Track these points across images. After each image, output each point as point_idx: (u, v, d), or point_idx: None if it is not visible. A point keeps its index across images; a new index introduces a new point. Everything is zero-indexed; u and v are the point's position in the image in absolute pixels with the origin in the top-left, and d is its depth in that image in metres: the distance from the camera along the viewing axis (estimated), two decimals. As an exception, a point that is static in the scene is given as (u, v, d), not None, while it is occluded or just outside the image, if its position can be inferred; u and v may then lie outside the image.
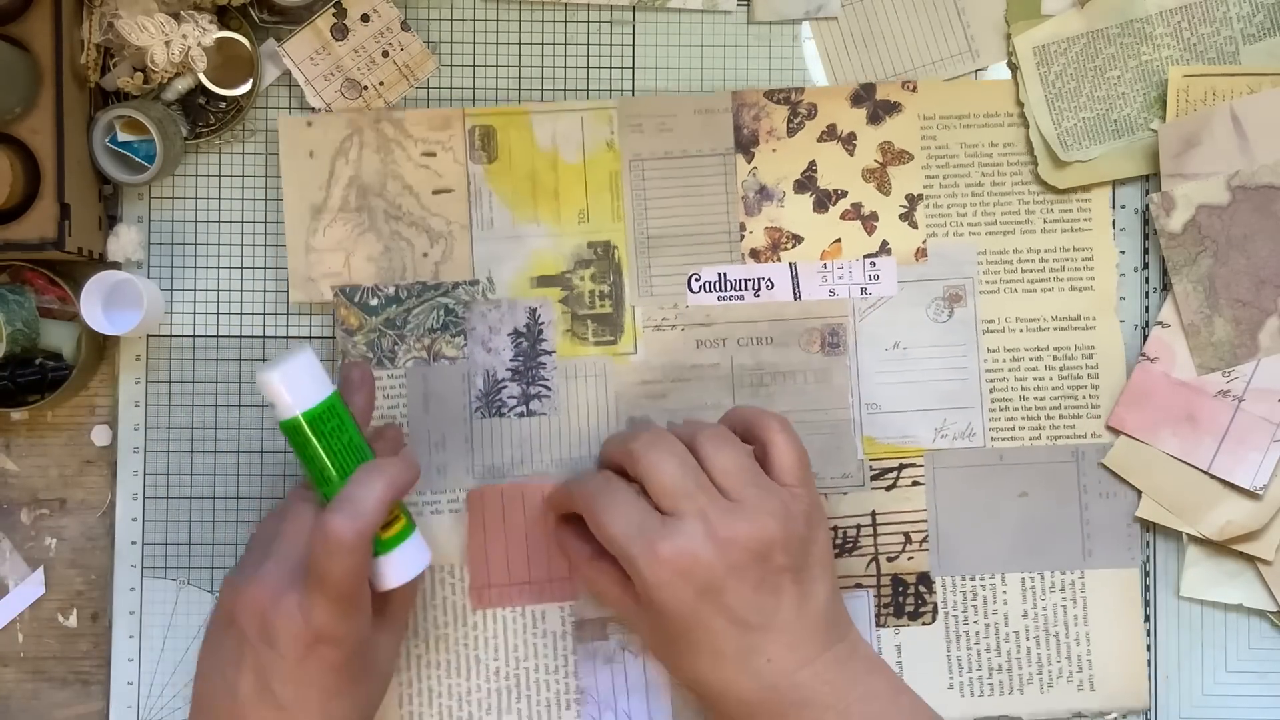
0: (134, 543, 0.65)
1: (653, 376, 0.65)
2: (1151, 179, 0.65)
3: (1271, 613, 0.65)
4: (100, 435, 0.65)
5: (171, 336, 0.65)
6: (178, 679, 0.64)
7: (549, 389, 0.64)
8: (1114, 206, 0.65)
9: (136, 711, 0.64)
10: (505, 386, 0.64)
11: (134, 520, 0.65)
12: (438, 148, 0.64)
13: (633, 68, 0.65)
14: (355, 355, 0.64)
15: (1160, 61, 0.64)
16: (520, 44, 0.65)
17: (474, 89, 0.65)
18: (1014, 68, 0.65)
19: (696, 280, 0.65)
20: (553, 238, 0.64)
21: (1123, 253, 0.65)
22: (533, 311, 0.64)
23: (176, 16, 0.62)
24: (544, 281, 0.65)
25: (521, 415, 0.64)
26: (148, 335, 0.65)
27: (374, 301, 0.64)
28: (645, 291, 0.65)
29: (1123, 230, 0.65)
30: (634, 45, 0.65)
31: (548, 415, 0.64)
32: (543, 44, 0.65)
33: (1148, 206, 0.64)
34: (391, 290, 0.64)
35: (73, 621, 0.65)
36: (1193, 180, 0.63)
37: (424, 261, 0.64)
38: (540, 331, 0.64)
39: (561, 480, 0.63)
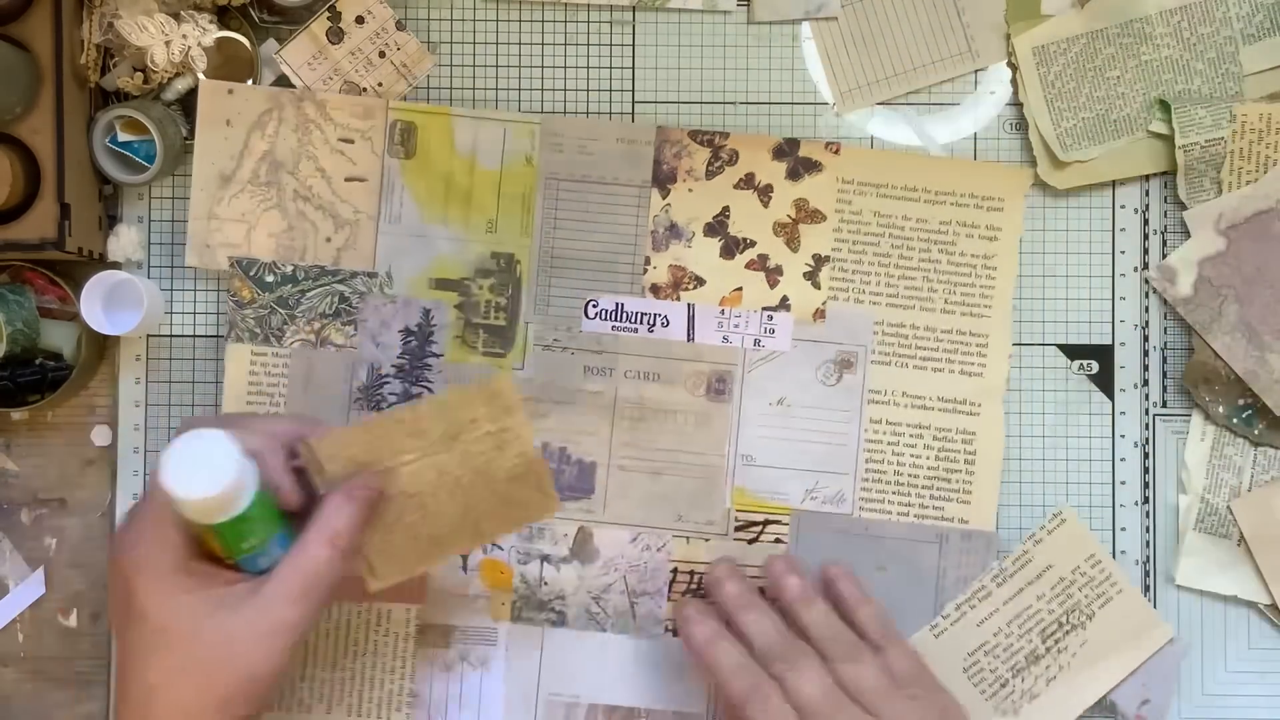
0: (134, 543, 0.65)
1: (536, 394, 0.64)
2: (1151, 179, 0.65)
3: (1265, 605, 0.65)
4: (100, 435, 0.65)
5: (171, 336, 0.65)
6: (177, 679, 0.64)
7: (431, 391, 0.64)
8: (1114, 206, 0.65)
9: (136, 711, 0.64)
10: (388, 382, 0.64)
11: (134, 520, 0.65)
12: (356, 135, 0.64)
13: (632, 68, 0.65)
14: (243, 328, 0.64)
15: (1160, 61, 0.64)
16: (520, 44, 0.65)
17: (473, 89, 0.65)
18: (1014, 68, 0.65)
19: (594, 306, 0.64)
20: (458, 242, 0.64)
21: (1122, 253, 0.65)
22: (427, 312, 0.64)
23: (176, 16, 0.62)
24: (443, 284, 0.64)
25: None
26: (148, 335, 0.65)
27: (270, 278, 0.64)
28: (541, 310, 0.64)
29: (1123, 230, 0.65)
30: (634, 45, 0.66)
31: None
32: (542, 44, 0.65)
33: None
34: (289, 269, 0.64)
35: (73, 621, 0.65)
36: (1183, 244, 0.63)
37: (326, 246, 0.64)
38: (431, 333, 0.64)
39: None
